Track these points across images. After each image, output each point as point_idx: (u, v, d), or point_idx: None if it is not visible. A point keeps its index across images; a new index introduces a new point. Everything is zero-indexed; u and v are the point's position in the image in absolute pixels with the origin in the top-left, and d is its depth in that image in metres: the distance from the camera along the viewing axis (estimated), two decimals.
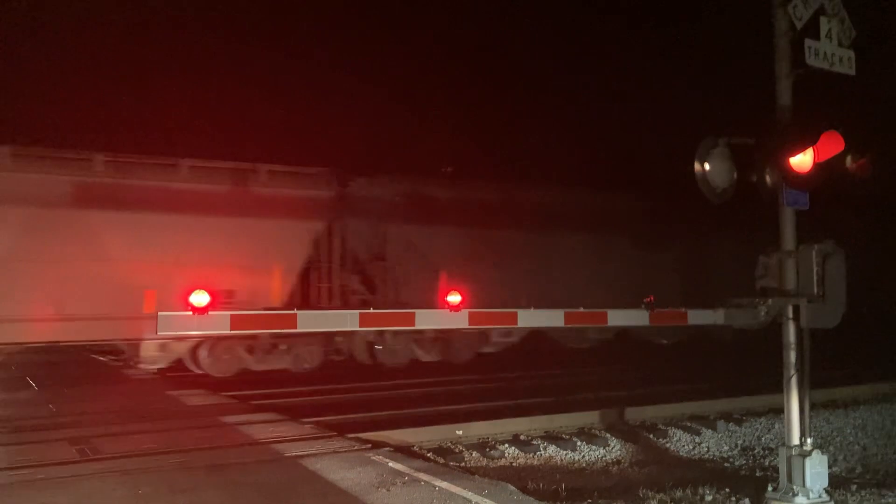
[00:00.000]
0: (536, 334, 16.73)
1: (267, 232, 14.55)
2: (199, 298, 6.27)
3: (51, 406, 10.02)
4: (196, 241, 13.86)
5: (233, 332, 6.47)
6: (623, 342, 17.81)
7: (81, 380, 12.94)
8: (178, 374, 14.33)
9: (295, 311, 7.10)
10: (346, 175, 16.03)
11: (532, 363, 16.54)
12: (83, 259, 13.10)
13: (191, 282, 13.26)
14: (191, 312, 6.18)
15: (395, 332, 15.00)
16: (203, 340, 14.07)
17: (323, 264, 15.42)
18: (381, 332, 14.84)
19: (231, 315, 6.47)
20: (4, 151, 13.13)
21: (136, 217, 13.58)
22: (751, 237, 8.35)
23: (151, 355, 14.00)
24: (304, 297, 15.13)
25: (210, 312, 6.31)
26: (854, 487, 8.01)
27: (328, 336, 14.95)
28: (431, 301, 12.74)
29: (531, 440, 9.81)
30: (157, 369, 14.24)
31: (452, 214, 16.55)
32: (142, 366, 14.10)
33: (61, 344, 13.73)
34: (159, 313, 6.13)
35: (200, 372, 14.41)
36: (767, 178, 6.68)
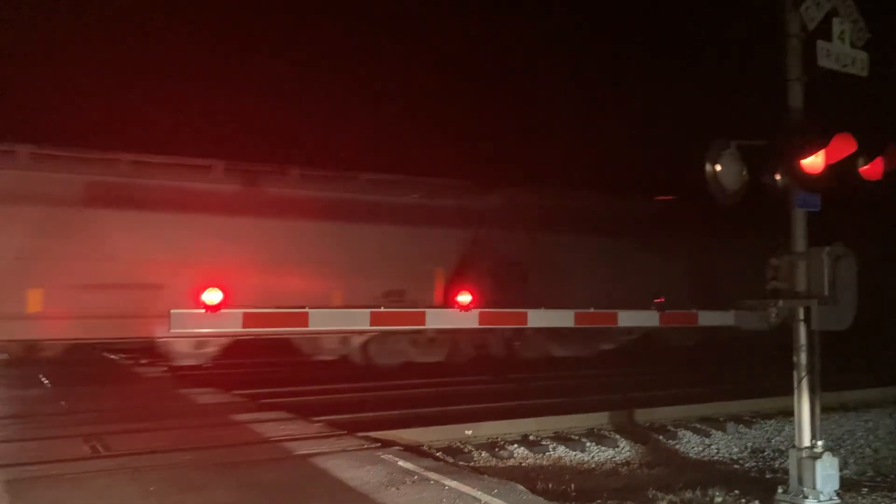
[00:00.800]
0: (649, 332, 17.76)
1: (426, 238, 16.22)
2: (212, 296, 6.29)
3: (63, 403, 10.08)
4: (374, 246, 15.59)
5: (246, 329, 6.51)
6: (717, 341, 18.28)
7: (93, 378, 13.01)
8: (188, 372, 14.39)
9: (307, 309, 7.17)
10: (488, 186, 17.61)
11: (539, 365, 16.59)
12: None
13: (380, 284, 15.12)
14: (203, 310, 6.20)
15: (536, 329, 16.03)
16: (376, 335, 15.43)
17: (472, 268, 16.64)
18: (521, 329, 15.92)
19: (243, 313, 6.49)
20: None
21: (315, 226, 15.10)
22: (762, 239, 8.35)
23: (333, 347, 15.47)
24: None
25: (222, 310, 6.33)
26: (865, 490, 7.99)
27: (476, 333, 16.03)
28: (560, 302, 13.98)
29: (540, 440, 9.82)
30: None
31: (582, 224, 17.97)
32: (319, 357, 15.57)
33: (79, 342, 13.97)
34: (172, 311, 6.16)
35: (364, 364, 15.83)
36: (778, 180, 6.67)
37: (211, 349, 14.59)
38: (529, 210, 17.56)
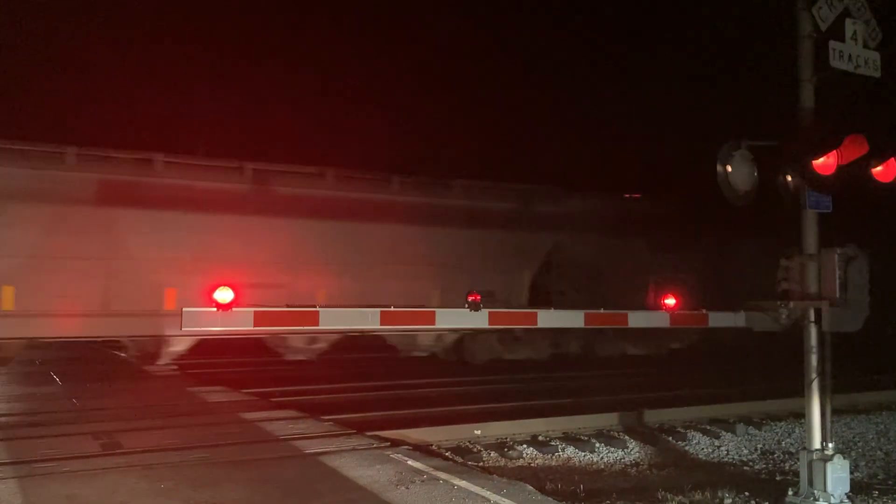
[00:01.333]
0: (713, 332, 17.80)
1: (515, 243, 16.71)
2: (223, 295, 6.31)
3: (74, 401, 10.16)
4: (472, 250, 16.03)
5: (257, 328, 6.55)
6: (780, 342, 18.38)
7: (104, 375, 13.10)
8: (199, 371, 14.46)
9: (317, 308, 7.26)
10: (565, 191, 18.11)
11: (550, 365, 16.60)
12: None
13: (474, 285, 15.26)
14: (215, 309, 6.24)
15: (615, 329, 16.40)
16: (469, 333, 15.94)
17: (551, 269, 17.41)
18: (601, 329, 16.33)
19: (255, 311, 6.53)
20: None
21: (414, 230, 15.54)
22: (773, 240, 8.32)
23: (427, 344, 16.05)
24: (543, 297, 16.87)
25: (234, 309, 6.35)
26: (876, 493, 7.94)
27: (557, 332, 16.63)
28: (641, 303, 14.35)
29: (549, 441, 9.81)
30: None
31: (640, 227, 18.34)
32: (413, 354, 16.14)
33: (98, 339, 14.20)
34: (184, 309, 6.20)
35: (455, 359, 16.69)
36: (790, 181, 6.65)
37: (321, 345, 15.07)
38: (610, 213, 18.08)
